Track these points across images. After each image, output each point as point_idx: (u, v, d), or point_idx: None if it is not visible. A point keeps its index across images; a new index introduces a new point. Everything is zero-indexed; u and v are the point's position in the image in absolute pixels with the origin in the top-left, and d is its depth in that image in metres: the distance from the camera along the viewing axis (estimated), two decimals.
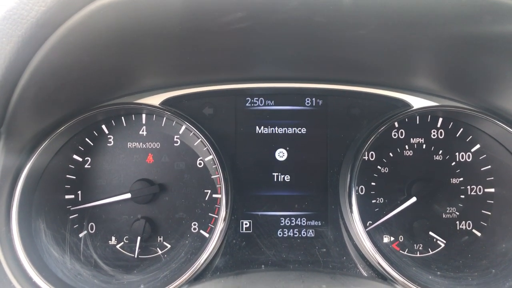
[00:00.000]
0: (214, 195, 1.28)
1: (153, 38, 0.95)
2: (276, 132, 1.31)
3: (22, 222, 1.06)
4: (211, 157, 1.26)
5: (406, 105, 1.29)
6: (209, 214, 1.27)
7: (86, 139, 1.26)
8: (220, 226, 1.21)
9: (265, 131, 1.31)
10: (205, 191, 1.28)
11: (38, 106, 1.02)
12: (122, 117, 1.28)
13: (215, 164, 1.25)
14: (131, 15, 0.85)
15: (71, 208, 1.24)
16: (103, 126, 1.27)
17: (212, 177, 1.28)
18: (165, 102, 1.25)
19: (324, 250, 1.25)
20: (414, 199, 1.26)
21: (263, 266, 1.21)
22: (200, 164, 1.29)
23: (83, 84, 1.05)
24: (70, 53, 0.88)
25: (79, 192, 1.26)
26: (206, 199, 1.28)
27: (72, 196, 1.25)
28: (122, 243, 1.26)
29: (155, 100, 1.25)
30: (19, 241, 1.03)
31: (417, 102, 1.29)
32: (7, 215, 1.04)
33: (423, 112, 1.28)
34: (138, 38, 0.94)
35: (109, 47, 0.93)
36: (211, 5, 0.82)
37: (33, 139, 1.11)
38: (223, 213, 1.22)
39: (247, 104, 1.32)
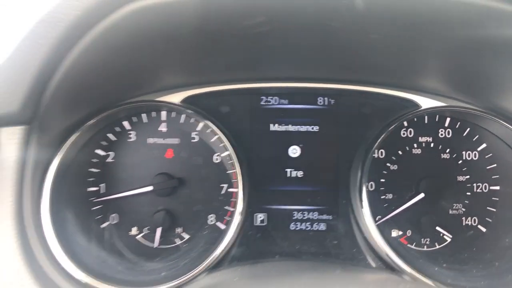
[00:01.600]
0: (230, 189, 1.34)
1: (178, 40, 1.01)
2: (290, 130, 1.37)
3: (52, 212, 1.12)
4: (227, 152, 1.32)
5: (415, 105, 1.34)
6: (225, 207, 1.34)
7: (109, 134, 1.33)
8: (236, 219, 1.28)
9: (279, 129, 1.37)
10: (222, 185, 1.34)
11: (68, 103, 1.08)
12: (143, 114, 1.34)
13: (231, 160, 1.31)
14: (158, 19, 0.91)
15: (94, 200, 1.31)
16: (125, 123, 1.34)
17: (228, 172, 1.34)
18: (185, 100, 1.32)
19: (336, 242, 1.31)
20: (422, 195, 1.31)
21: (277, 256, 1.27)
22: (216, 159, 1.35)
23: (109, 82, 1.11)
24: (100, 53, 0.95)
25: (102, 185, 1.32)
26: (222, 193, 1.34)
27: (96, 189, 1.32)
28: (143, 233, 1.33)
29: (176, 98, 1.31)
30: (50, 230, 1.10)
31: (425, 102, 1.34)
32: (37, 206, 1.10)
33: (432, 112, 1.34)
34: (163, 40, 1.00)
35: (137, 48, 0.99)
36: (234, 10, 0.89)
37: (61, 134, 1.18)
38: (239, 206, 1.28)
39: (262, 103, 1.37)
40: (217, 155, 1.35)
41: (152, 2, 0.83)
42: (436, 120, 1.37)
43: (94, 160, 1.32)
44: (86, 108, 1.18)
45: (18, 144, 1.05)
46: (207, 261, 1.18)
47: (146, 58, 1.07)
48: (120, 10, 0.82)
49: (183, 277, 1.14)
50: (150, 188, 1.30)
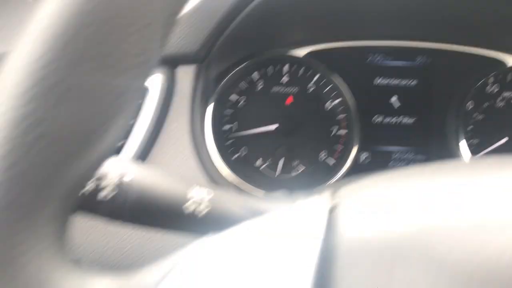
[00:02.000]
0: (339, 132, 1.61)
1: None
2: (391, 83, 1.62)
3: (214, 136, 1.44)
4: (339, 100, 1.59)
5: (501, 62, 1.57)
6: (335, 146, 1.60)
7: (242, 82, 1.61)
8: (344, 155, 1.55)
9: (382, 82, 1.63)
10: (332, 127, 1.61)
11: (230, 48, 1.37)
12: (270, 66, 1.62)
13: (341, 106, 1.58)
14: None
15: (228, 136, 1.60)
16: (255, 73, 1.62)
17: (338, 116, 1.61)
18: (306, 55, 1.59)
19: None
20: (506, 138, 1.55)
21: None
22: (329, 106, 1.62)
23: (261, 33, 1.40)
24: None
25: (235, 123, 1.61)
26: (332, 134, 1.61)
27: (229, 126, 1.61)
28: (266, 164, 1.61)
29: (299, 52, 1.59)
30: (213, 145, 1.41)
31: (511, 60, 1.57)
32: (202, 126, 1.41)
33: None
34: None
35: None
36: None
37: (216, 77, 1.48)
38: (347, 145, 1.55)
39: (368, 59, 1.63)
40: (330, 102, 1.62)
41: None
42: None
43: (230, 103, 1.61)
44: (238, 54, 1.48)
45: (192, 79, 1.34)
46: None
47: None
48: None
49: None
50: (274, 126, 1.59)
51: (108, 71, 0.39)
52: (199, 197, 0.71)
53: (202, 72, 1.36)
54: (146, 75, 0.44)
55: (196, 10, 1.24)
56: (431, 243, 0.28)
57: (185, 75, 1.34)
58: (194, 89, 1.35)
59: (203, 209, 0.70)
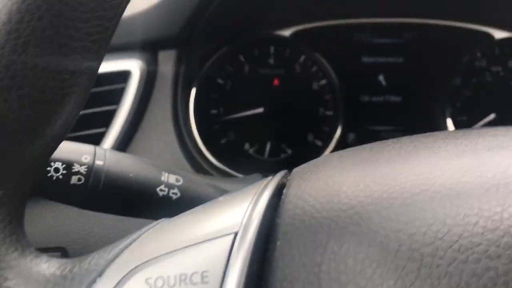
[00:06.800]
0: (326, 112, 1.60)
1: None
2: (379, 61, 1.61)
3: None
4: (326, 81, 1.57)
5: (489, 35, 1.55)
6: (322, 127, 1.59)
7: (227, 65, 1.60)
8: (331, 137, 1.53)
9: (369, 60, 1.61)
10: (320, 108, 1.60)
11: (211, 32, 1.35)
12: (255, 48, 1.60)
13: (329, 86, 1.57)
14: None
15: (215, 120, 1.59)
16: (241, 56, 1.60)
17: (326, 97, 1.60)
18: (292, 35, 1.57)
19: None
20: (493, 115, 1.53)
21: None
22: (316, 86, 1.60)
23: (243, 14, 1.38)
24: None
25: (221, 108, 1.60)
26: (320, 115, 1.60)
27: (216, 111, 1.60)
28: (254, 147, 1.60)
29: (285, 33, 1.57)
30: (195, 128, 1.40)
31: (499, 34, 1.54)
32: (186, 110, 1.40)
33: (504, 43, 1.54)
34: None
35: None
36: None
37: (201, 61, 1.46)
38: (334, 126, 1.54)
39: (354, 37, 1.61)
40: (316, 83, 1.60)
41: None
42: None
43: (215, 87, 1.59)
44: (219, 38, 1.46)
45: (173, 64, 1.33)
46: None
47: None
48: None
49: None
50: (261, 109, 1.57)
51: (60, 50, 0.38)
52: (171, 180, 0.70)
53: (184, 56, 1.35)
54: (99, 55, 0.43)
55: None
56: (365, 216, 0.28)
57: (167, 59, 1.32)
58: (176, 74, 1.33)
59: (176, 192, 0.69)
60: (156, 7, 1.25)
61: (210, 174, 1.32)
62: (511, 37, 1.53)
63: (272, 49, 1.60)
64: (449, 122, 1.52)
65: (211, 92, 1.58)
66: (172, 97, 1.32)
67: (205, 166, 1.34)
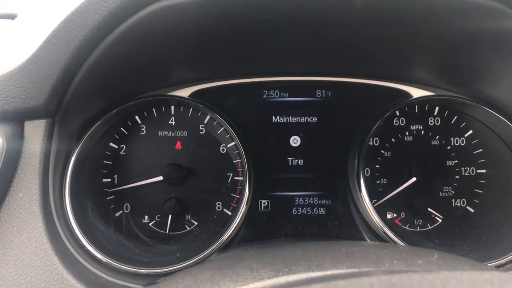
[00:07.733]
0: (236, 178, 1.43)
1: (188, 38, 1.10)
2: (290, 121, 1.47)
3: (73, 200, 1.20)
4: (233, 143, 1.41)
5: (406, 95, 1.44)
6: (232, 194, 1.43)
7: (122, 128, 1.41)
8: (242, 205, 1.36)
9: (281, 120, 1.47)
10: (228, 174, 1.43)
11: (87, 98, 1.16)
12: (153, 109, 1.42)
13: (236, 150, 1.41)
14: (172, 18, 1.00)
15: (108, 190, 1.39)
16: (137, 117, 1.42)
17: (234, 161, 1.43)
18: (192, 95, 1.40)
19: (336, 223, 1.41)
20: (414, 179, 1.41)
21: (283, 236, 1.36)
22: (223, 150, 1.44)
23: (126, 79, 1.20)
24: (121, 51, 1.03)
25: (115, 176, 1.40)
26: (229, 181, 1.43)
27: (109, 180, 1.40)
28: (154, 221, 1.41)
29: (184, 93, 1.40)
30: (72, 216, 1.18)
31: (416, 92, 1.44)
32: (61, 194, 1.18)
33: (422, 101, 1.44)
34: (175, 39, 1.09)
35: (152, 47, 1.08)
36: (247, 8, 0.98)
37: (79, 128, 1.26)
38: (245, 193, 1.37)
39: (264, 96, 1.47)
40: (223, 146, 1.44)
41: (170, 3, 0.92)
42: (426, 109, 1.48)
43: (108, 153, 1.40)
44: (102, 103, 1.27)
45: (43, 137, 1.12)
46: (218, 242, 1.27)
47: (160, 55, 1.16)
48: (143, 10, 0.91)
49: (195, 257, 1.22)
50: (160, 178, 1.39)
51: None
52: None
53: (56, 126, 1.14)
54: None
55: (34, 59, 1.03)
56: None
57: (34, 132, 1.11)
58: (47, 147, 1.12)
59: None
60: (14, 74, 1.05)
61: (88, 269, 1.11)
62: (429, 95, 1.44)
63: (173, 109, 1.44)
64: (364, 189, 1.38)
65: (103, 158, 1.39)
66: (41, 176, 1.11)
67: (83, 260, 1.11)
